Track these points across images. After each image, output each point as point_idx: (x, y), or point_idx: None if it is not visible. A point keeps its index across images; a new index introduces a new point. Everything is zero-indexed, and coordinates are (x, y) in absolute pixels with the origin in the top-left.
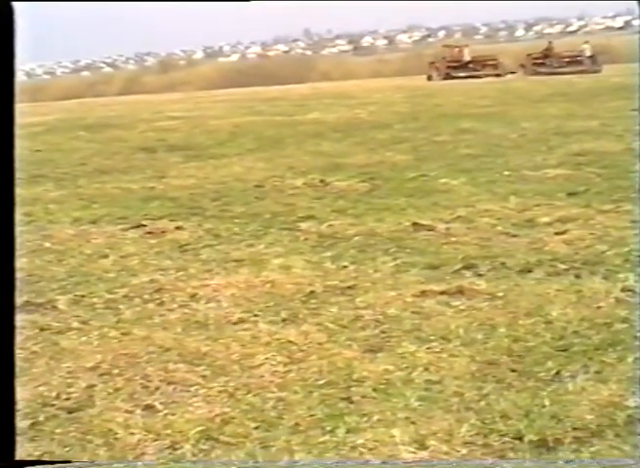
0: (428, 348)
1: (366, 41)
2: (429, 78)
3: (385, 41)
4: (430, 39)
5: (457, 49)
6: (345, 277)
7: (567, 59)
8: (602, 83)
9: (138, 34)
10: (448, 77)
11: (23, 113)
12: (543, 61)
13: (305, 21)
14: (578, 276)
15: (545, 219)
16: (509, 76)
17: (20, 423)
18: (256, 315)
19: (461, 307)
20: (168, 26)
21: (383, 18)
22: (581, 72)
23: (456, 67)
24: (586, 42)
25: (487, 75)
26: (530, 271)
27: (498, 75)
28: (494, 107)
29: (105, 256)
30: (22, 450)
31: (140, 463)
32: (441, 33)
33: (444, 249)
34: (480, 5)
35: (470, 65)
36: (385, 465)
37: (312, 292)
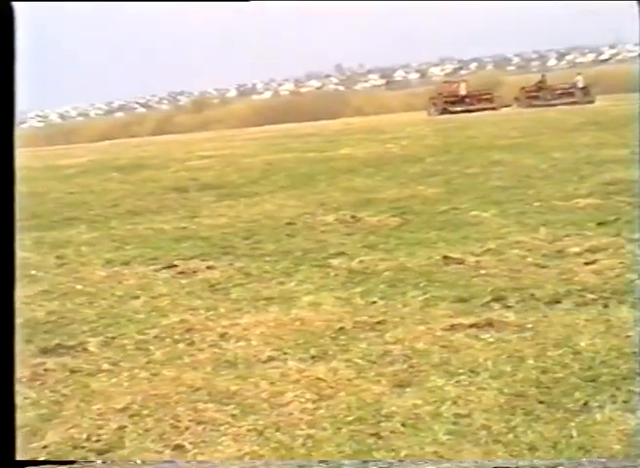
0: (457, 382)
1: (398, 75)
2: (429, 113)
3: (418, 74)
4: (462, 71)
5: (454, 84)
6: (375, 312)
7: (559, 92)
8: (634, 111)
9: (171, 73)
10: (445, 112)
11: (58, 155)
12: (537, 94)
13: (337, 57)
14: (606, 306)
15: (575, 249)
16: (504, 109)
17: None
18: (285, 353)
19: (490, 340)
20: (201, 65)
21: (416, 51)
22: (573, 103)
23: (452, 102)
24: (579, 74)
25: (482, 109)
26: (558, 302)
27: (493, 109)
28: (525, 138)
29: (137, 297)
30: None
31: (140, 463)
32: (473, 65)
33: (473, 281)
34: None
35: (466, 100)
36: (386, 465)
37: (342, 328)
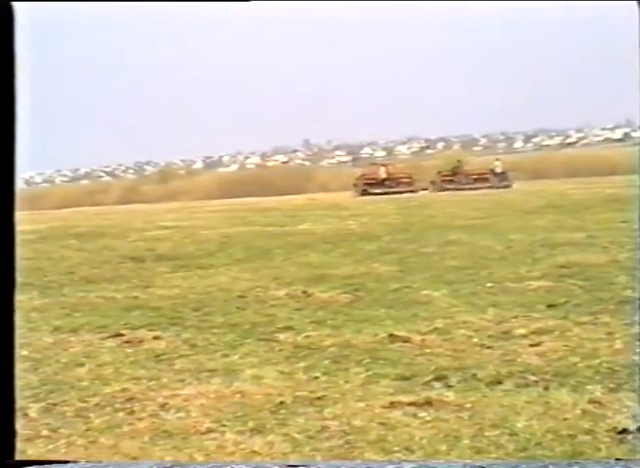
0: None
1: (365, 152)
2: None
3: (384, 152)
4: (429, 151)
5: (375, 167)
6: (316, 387)
7: (474, 177)
8: (596, 195)
9: (137, 143)
10: (365, 193)
11: (19, 221)
12: (452, 178)
13: (305, 132)
14: (547, 388)
15: (521, 331)
16: (422, 192)
17: None
18: (224, 425)
19: (428, 418)
20: (167, 135)
21: (383, 129)
22: (488, 188)
23: (372, 184)
24: (498, 160)
25: (401, 192)
26: (500, 382)
27: (412, 191)
28: (484, 219)
29: (81, 365)
30: None
31: (139, 463)
32: (440, 144)
33: (417, 360)
34: (479, 116)
35: (386, 182)
36: (386, 465)
37: (282, 402)
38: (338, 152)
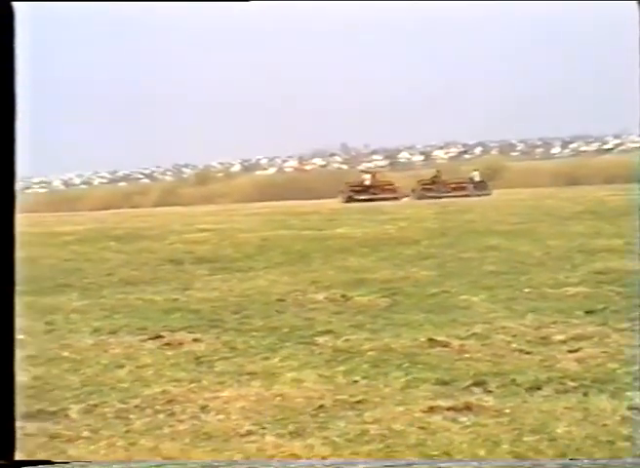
0: None
1: (402, 156)
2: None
3: (422, 157)
4: (466, 155)
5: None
6: (356, 391)
7: (453, 185)
8: (633, 201)
9: (176, 146)
10: (350, 200)
11: (58, 222)
12: (431, 187)
13: (343, 136)
14: (586, 394)
15: (560, 337)
16: (405, 199)
17: None
18: (264, 428)
19: (467, 423)
20: (206, 139)
21: (421, 133)
22: (465, 196)
23: (357, 191)
24: (476, 170)
25: (385, 199)
26: (539, 388)
27: (395, 198)
28: (523, 224)
29: (121, 366)
30: None
31: (139, 463)
32: (478, 149)
33: (456, 365)
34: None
35: (371, 190)
36: (386, 465)
37: (322, 405)
38: (375, 156)
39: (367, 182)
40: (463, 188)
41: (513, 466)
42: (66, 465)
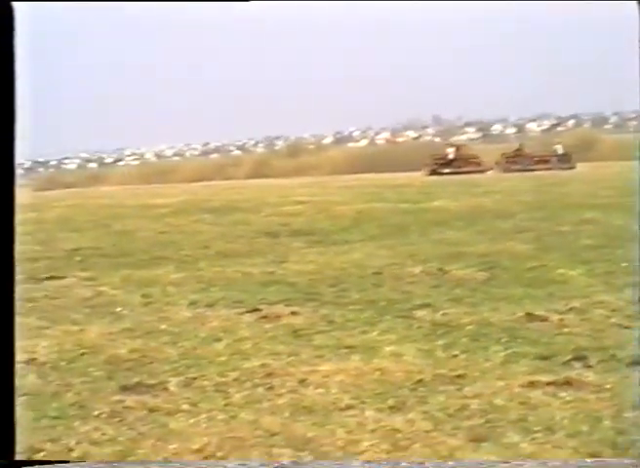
0: (533, 439)
1: (495, 129)
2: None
3: (515, 129)
4: (559, 128)
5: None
6: (455, 366)
7: (536, 158)
8: None
9: (267, 118)
10: (434, 173)
11: (152, 195)
12: (515, 160)
13: (436, 108)
14: None
15: None
16: (489, 173)
17: None
18: (363, 402)
19: (568, 399)
20: (298, 110)
21: (514, 106)
22: (548, 169)
23: (441, 164)
24: (559, 143)
25: (469, 172)
26: (639, 364)
27: (479, 171)
28: (618, 198)
29: (219, 340)
30: None
31: (140, 463)
32: (571, 122)
33: (556, 339)
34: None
35: (454, 163)
36: (386, 465)
37: (421, 380)
38: (468, 128)
39: (451, 156)
40: (547, 161)
41: (513, 466)
42: (66, 465)
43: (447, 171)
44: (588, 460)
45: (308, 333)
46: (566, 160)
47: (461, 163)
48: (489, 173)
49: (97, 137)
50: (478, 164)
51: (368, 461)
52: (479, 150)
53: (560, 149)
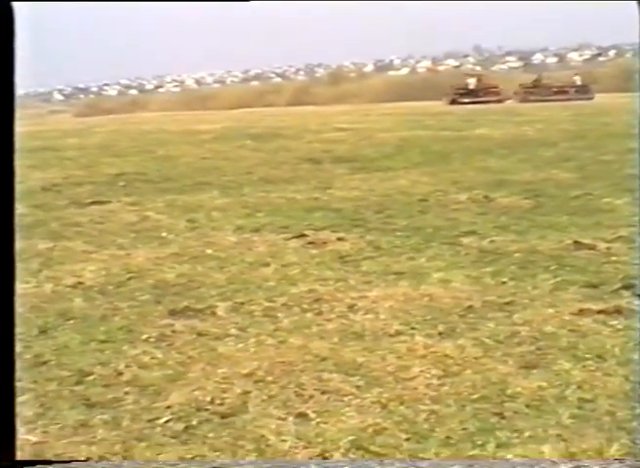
0: (583, 366)
1: (536, 58)
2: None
3: (556, 59)
4: (601, 58)
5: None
6: (504, 293)
7: (554, 89)
8: None
9: (308, 45)
10: (454, 102)
11: (193, 121)
12: (533, 90)
13: (477, 37)
14: None
15: None
16: (508, 102)
17: (175, 426)
18: (413, 328)
19: (618, 327)
20: (339, 38)
21: (555, 35)
22: (567, 100)
23: (462, 94)
24: (577, 74)
25: (488, 101)
26: None
27: (499, 101)
28: None
29: (266, 265)
30: (173, 453)
31: (141, 463)
32: (612, 52)
33: (604, 268)
34: None
35: (474, 93)
36: (386, 465)
37: (470, 306)
38: (508, 58)
39: (471, 86)
40: (565, 92)
41: (513, 465)
42: (66, 465)
43: (466, 100)
44: (588, 461)
45: (356, 259)
46: (584, 91)
47: (481, 93)
48: (507, 102)
49: (136, 64)
50: (497, 93)
51: (366, 461)
52: (520, 79)
53: (579, 80)
